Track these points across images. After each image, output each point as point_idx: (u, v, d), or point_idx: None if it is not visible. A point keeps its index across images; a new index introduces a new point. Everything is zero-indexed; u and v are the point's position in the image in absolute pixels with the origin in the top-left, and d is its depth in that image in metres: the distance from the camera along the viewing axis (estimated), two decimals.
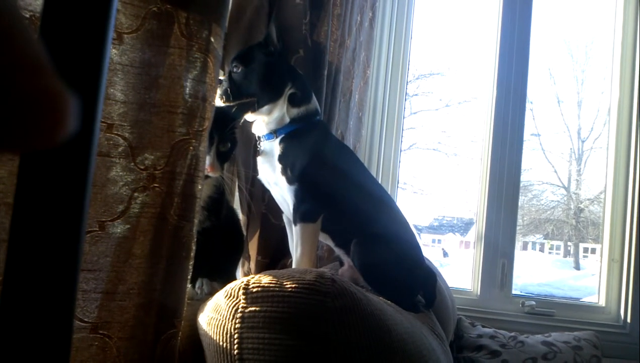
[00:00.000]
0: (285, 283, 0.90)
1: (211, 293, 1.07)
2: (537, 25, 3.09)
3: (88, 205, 0.51)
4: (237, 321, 0.88)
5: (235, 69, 1.49)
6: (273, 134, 1.52)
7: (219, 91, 1.46)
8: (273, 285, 0.90)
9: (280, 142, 1.50)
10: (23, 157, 0.47)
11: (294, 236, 1.51)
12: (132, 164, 0.95)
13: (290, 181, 1.47)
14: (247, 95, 1.48)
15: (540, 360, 2.32)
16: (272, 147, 1.51)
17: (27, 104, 0.34)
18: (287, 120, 1.52)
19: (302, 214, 1.48)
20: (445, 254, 4.43)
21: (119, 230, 0.93)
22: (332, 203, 1.51)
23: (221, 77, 1.49)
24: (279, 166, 1.49)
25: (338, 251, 1.60)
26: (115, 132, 0.94)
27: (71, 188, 0.49)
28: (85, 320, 0.90)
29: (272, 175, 1.52)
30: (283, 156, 1.49)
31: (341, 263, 1.66)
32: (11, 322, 0.47)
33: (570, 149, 4.00)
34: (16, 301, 0.47)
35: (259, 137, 1.56)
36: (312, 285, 0.90)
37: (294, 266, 1.52)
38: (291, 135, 1.51)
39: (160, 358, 0.97)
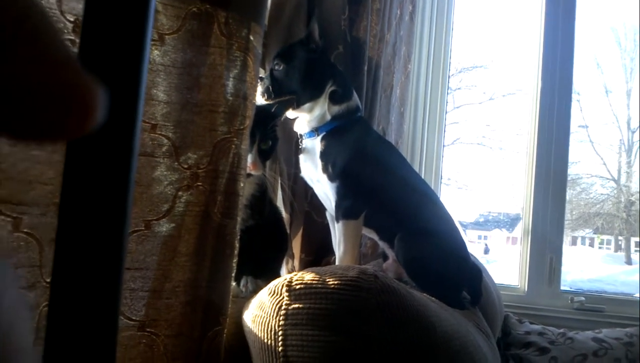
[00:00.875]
0: (327, 280, 0.90)
1: (255, 291, 1.08)
2: (582, 13, 3.01)
3: (131, 204, 0.52)
4: (280, 318, 0.88)
5: (277, 67, 1.50)
6: (314, 131, 1.52)
7: (260, 89, 1.46)
8: (316, 282, 0.90)
9: (322, 139, 1.50)
10: (68, 157, 0.48)
11: (337, 233, 1.51)
12: (176, 163, 0.97)
13: (331, 178, 1.47)
14: (289, 93, 1.48)
15: (591, 357, 2.26)
16: (314, 145, 1.52)
17: (52, 96, 0.36)
18: (329, 117, 1.52)
19: (344, 211, 1.47)
20: (486, 251, 4.36)
21: (164, 229, 0.95)
22: (374, 200, 1.50)
23: (262, 75, 1.50)
24: (320, 163, 1.49)
25: (382, 245, 1.59)
26: (159, 132, 0.95)
27: (115, 188, 0.50)
28: (133, 318, 0.92)
29: (314, 173, 1.53)
30: (324, 153, 1.49)
31: (385, 258, 1.65)
32: (60, 321, 0.48)
33: (620, 140, 3.89)
34: (64, 300, 0.48)
35: (300, 135, 1.57)
36: (354, 281, 0.90)
37: (337, 263, 1.52)
38: (332, 133, 1.51)
39: (206, 355, 0.98)
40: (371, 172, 1.51)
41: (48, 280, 0.78)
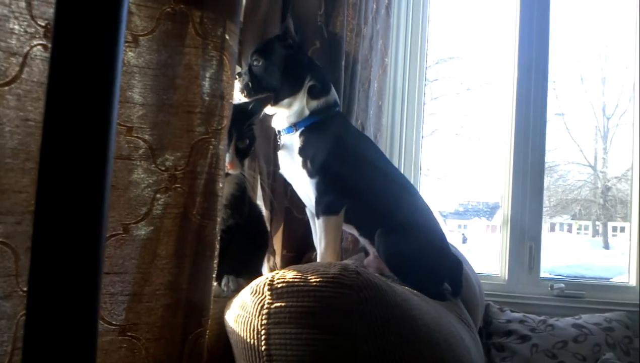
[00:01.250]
0: (309, 277, 0.90)
1: (237, 290, 1.08)
2: (556, 2, 3.04)
3: (108, 209, 0.52)
4: (263, 317, 0.88)
5: (255, 63, 1.49)
6: (293, 127, 1.52)
7: (238, 85, 1.46)
8: (297, 280, 0.90)
9: (300, 135, 1.50)
10: (42, 163, 0.48)
11: (317, 229, 1.51)
12: (153, 165, 0.96)
13: (311, 174, 1.47)
14: (268, 89, 1.48)
15: (571, 343, 2.30)
16: (292, 141, 1.51)
17: None
18: (307, 112, 1.51)
19: (324, 207, 1.47)
20: (464, 240, 4.39)
21: (143, 232, 0.94)
22: (354, 195, 1.50)
23: (239, 71, 1.49)
24: (299, 159, 1.49)
25: (363, 241, 1.60)
26: (135, 135, 0.94)
27: (90, 192, 0.50)
28: (114, 322, 0.91)
29: (293, 169, 1.52)
30: (303, 149, 1.49)
31: (366, 254, 1.65)
32: (38, 330, 0.48)
33: (596, 126, 3.94)
34: (41, 307, 0.47)
35: (279, 131, 1.56)
36: (336, 278, 0.90)
37: (318, 259, 1.52)
38: (311, 128, 1.51)
39: (189, 357, 0.98)
40: (350, 168, 1.51)
41: (25, 289, 0.77)
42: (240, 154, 1.33)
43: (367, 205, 1.52)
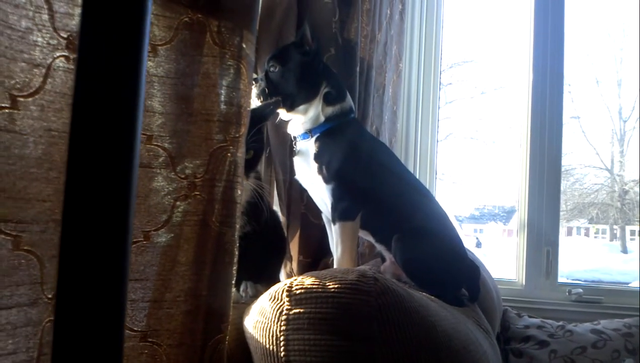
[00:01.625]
0: (327, 284, 0.91)
1: (256, 296, 1.09)
2: (571, 4, 3.02)
3: (133, 217, 0.53)
4: (282, 323, 0.89)
5: (272, 68, 1.51)
6: (308, 133, 1.53)
7: (255, 90, 1.47)
8: (316, 286, 0.91)
9: (316, 141, 1.51)
10: (69, 172, 0.49)
11: (334, 235, 1.51)
12: (173, 173, 0.97)
13: (326, 180, 1.48)
14: (285, 95, 1.49)
15: (590, 348, 2.28)
16: (308, 147, 1.52)
17: None
18: (322, 119, 1.52)
19: (340, 213, 1.48)
20: (478, 244, 4.38)
21: (163, 239, 0.95)
22: (370, 200, 1.51)
23: (256, 76, 1.51)
24: (314, 165, 1.50)
25: (379, 247, 1.60)
26: (155, 143, 0.96)
27: (116, 202, 0.51)
28: (135, 329, 0.92)
29: (308, 175, 1.53)
30: (319, 155, 1.49)
31: (383, 259, 1.66)
32: (66, 335, 0.49)
33: (612, 129, 3.92)
34: (69, 314, 0.48)
35: (294, 137, 1.57)
36: (354, 284, 0.90)
37: (335, 265, 1.52)
38: (326, 134, 1.51)
39: None
40: (366, 174, 1.51)
41: (50, 296, 0.79)
42: (246, 165, 1.29)
43: (383, 211, 1.53)
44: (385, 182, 1.55)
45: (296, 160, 1.57)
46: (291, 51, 1.53)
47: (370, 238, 1.59)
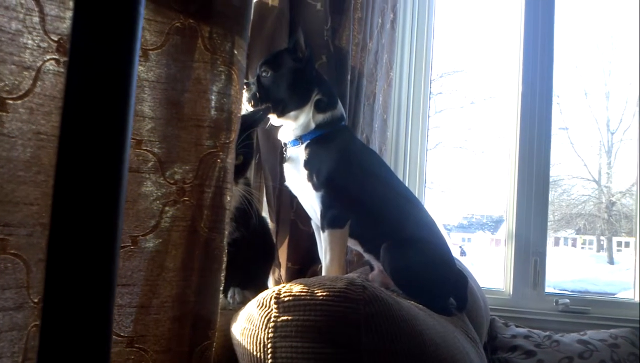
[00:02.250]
0: (316, 291, 0.91)
1: (243, 303, 1.08)
2: (560, 16, 3.06)
3: (122, 222, 0.52)
4: (269, 330, 0.89)
5: (264, 73, 1.51)
6: (299, 140, 1.52)
7: (246, 94, 1.47)
8: (304, 293, 0.90)
9: (306, 147, 1.51)
10: (58, 176, 0.49)
11: (323, 242, 1.51)
12: (162, 178, 0.97)
13: (316, 187, 1.48)
14: (276, 100, 1.50)
15: (577, 359, 2.28)
16: (298, 154, 1.52)
17: None
18: (313, 126, 1.52)
19: (329, 220, 1.48)
20: (463, 253, 4.39)
21: (151, 245, 0.95)
22: (359, 209, 1.51)
23: (247, 80, 1.50)
24: (304, 172, 1.49)
25: (368, 256, 1.60)
26: (145, 148, 0.95)
27: (105, 206, 0.50)
28: (122, 334, 0.92)
29: (298, 182, 1.53)
30: (309, 162, 1.49)
31: (371, 268, 1.65)
32: (53, 339, 0.48)
33: (600, 141, 3.95)
34: (56, 319, 0.48)
35: (285, 144, 1.57)
36: (343, 292, 0.90)
37: (323, 272, 1.52)
38: (317, 141, 1.51)
39: None
40: (355, 182, 1.51)
41: (36, 300, 0.78)
42: (235, 171, 1.28)
43: (372, 220, 1.53)
44: (375, 191, 1.55)
45: (286, 166, 1.57)
46: (284, 57, 1.53)
47: (359, 248, 1.59)
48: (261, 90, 1.50)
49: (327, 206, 1.48)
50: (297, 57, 1.52)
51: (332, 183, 1.47)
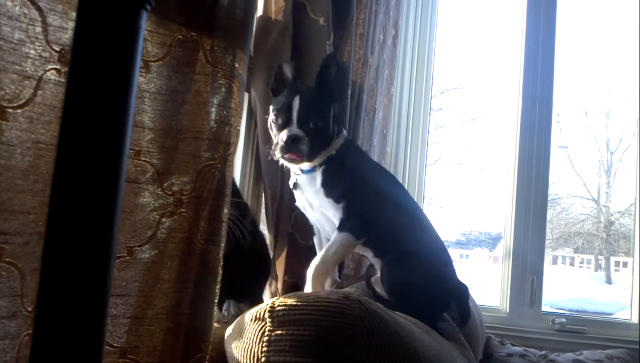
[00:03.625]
0: (311, 305, 0.90)
1: (238, 315, 1.08)
2: (561, 36, 3.08)
3: (117, 232, 0.53)
4: (263, 345, 0.88)
5: (319, 124, 1.43)
6: (316, 167, 1.50)
7: (282, 145, 1.40)
8: (299, 307, 0.90)
9: (323, 170, 1.49)
10: (55, 184, 0.49)
11: (332, 239, 1.49)
12: (160, 189, 0.97)
13: (337, 199, 1.47)
14: (317, 147, 1.44)
15: None
16: (315, 176, 1.50)
17: None
18: (333, 153, 1.51)
19: (350, 227, 1.46)
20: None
21: (147, 255, 0.95)
22: (377, 221, 1.50)
23: (297, 132, 1.41)
24: (323, 191, 1.48)
25: (375, 261, 1.59)
26: (143, 159, 0.95)
27: (101, 216, 0.51)
28: (115, 345, 0.91)
29: (315, 199, 1.51)
30: (328, 181, 1.48)
31: (368, 276, 1.65)
32: (44, 348, 0.48)
33: (599, 160, 3.95)
34: (49, 327, 0.48)
35: (299, 171, 1.52)
36: (338, 307, 0.90)
37: (316, 261, 1.49)
38: (331, 160, 1.50)
39: None
40: (371, 192, 1.51)
41: (29, 309, 0.78)
42: None
43: (384, 230, 1.52)
44: (389, 204, 1.55)
45: (299, 191, 1.54)
46: (329, 102, 1.48)
47: (369, 254, 1.58)
48: (314, 142, 1.42)
49: (349, 214, 1.46)
50: (334, 98, 1.50)
51: (352, 194, 1.47)
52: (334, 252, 1.47)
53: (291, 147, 1.39)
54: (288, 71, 1.48)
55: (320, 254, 1.50)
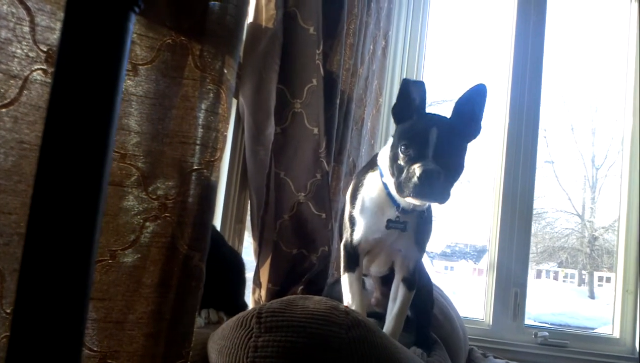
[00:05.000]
0: (298, 313, 0.90)
1: (219, 323, 1.07)
2: (549, 52, 3.10)
3: (99, 235, 0.52)
4: (250, 350, 0.88)
5: (454, 162, 1.31)
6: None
7: (417, 177, 1.23)
8: (287, 314, 0.90)
9: (424, 212, 1.43)
10: (36, 186, 0.48)
11: (400, 298, 1.43)
12: (144, 193, 0.96)
13: (419, 250, 1.44)
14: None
15: None
16: (413, 216, 1.40)
17: None
18: None
19: (414, 282, 1.44)
20: None
21: (129, 260, 0.94)
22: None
23: (432, 166, 1.23)
24: (414, 236, 1.41)
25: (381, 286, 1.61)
26: (129, 162, 0.95)
27: (82, 219, 0.50)
28: (95, 349, 0.90)
29: (400, 243, 1.42)
30: (422, 226, 1.42)
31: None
32: (22, 351, 0.47)
33: (584, 176, 3.98)
34: (27, 329, 0.48)
35: (399, 206, 1.39)
36: (326, 316, 0.90)
37: (389, 324, 1.43)
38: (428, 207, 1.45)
39: None
40: None
41: (8, 310, 0.77)
42: None
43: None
44: None
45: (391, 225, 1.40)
46: (465, 135, 1.37)
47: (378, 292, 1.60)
48: (450, 181, 1.29)
49: (416, 270, 1.44)
50: (472, 134, 1.39)
51: (425, 248, 1.46)
52: (402, 312, 1.42)
53: (425, 184, 1.22)
54: (416, 93, 1.33)
55: (390, 318, 1.43)
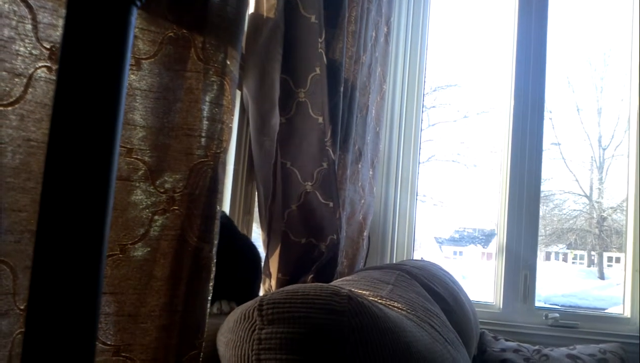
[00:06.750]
0: (299, 302, 0.90)
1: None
2: (553, 33, 3.08)
3: (109, 230, 0.53)
4: (254, 343, 0.88)
5: None
6: None
7: None
8: (288, 305, 0.90)
9: None
10: (45, 183, 0.49)
11: None
12: (152, 187, 0.97)
13: None
14: None
15: None
16: None
17: None
18: None
19: None
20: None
21: (140, 253, 0.95)
22: None
23: None
24: None
25: None
26: (135, 156, 0.95)
27: (92, 214, 0.51)
28: (108, 343, 0.91)
29: None
30: None
31: None
32: (36, 346, 0.48)
33: (591, 157, 3.96)
34: (40, 325, 0.48)
35: None
36: (327, 304, 0.89)
37: None
38: None
39: None
40: None
41: (22, 307, 0.78)
42: None
43: None
44: None
45: None
46: None
47: None
48: None
49: None
50: None
51: None
52: None
53: None
54: None
55: None
